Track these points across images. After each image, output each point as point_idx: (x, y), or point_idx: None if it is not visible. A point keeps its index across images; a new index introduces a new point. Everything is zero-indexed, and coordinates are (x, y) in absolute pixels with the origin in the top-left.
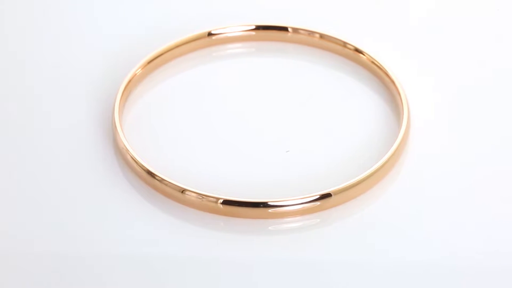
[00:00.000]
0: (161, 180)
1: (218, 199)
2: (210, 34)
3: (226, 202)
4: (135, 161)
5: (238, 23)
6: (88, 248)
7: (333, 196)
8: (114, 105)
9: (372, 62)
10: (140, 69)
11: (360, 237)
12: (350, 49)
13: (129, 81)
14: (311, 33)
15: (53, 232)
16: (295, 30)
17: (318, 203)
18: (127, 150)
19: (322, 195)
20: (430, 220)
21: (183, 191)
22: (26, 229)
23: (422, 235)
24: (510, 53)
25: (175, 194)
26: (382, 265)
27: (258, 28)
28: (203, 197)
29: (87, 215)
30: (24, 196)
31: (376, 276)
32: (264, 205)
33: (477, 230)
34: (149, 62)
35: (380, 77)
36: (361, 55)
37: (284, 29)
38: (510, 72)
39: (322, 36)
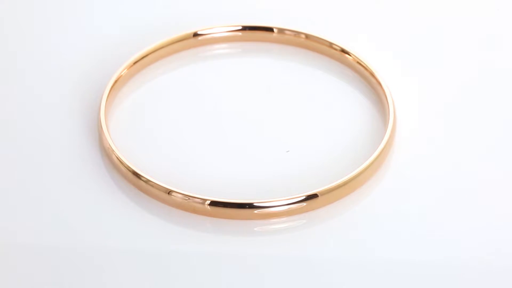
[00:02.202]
0: (147, 181)
1: (205, 200)
2: (196, 34)
3: (213, 203)
4: (120, 161)
5: (224, 24)
6: (73, 248)
7: (319, 196)
8: (100, 106)
9: (358, 63)
10: (126, 70)
11: (347, 238)
12: (336, 49)
13: (115, 81)
14: (297, 33)
15: (37, 231)
16: (281, 30)
17: (304, 203)
18: (113, 150)
19: (309, 195)
20: (416, 220)
21: (169, 192)
22: (9, 227)
23: (408, 235)
24: (497, 54)
25: (161, 195)
26: (369, 265)
27: (244, 28)
28: (190, 198)
29: (72, 216)
30: (8, 195)
31: (362, 276)
32: (250, 206)
33: (465, 229)
34: (135, 62)
35: (366, 78)
36: (347, 55)
37: (270, 29)
38: (497, 73)
39: (308, 36)
